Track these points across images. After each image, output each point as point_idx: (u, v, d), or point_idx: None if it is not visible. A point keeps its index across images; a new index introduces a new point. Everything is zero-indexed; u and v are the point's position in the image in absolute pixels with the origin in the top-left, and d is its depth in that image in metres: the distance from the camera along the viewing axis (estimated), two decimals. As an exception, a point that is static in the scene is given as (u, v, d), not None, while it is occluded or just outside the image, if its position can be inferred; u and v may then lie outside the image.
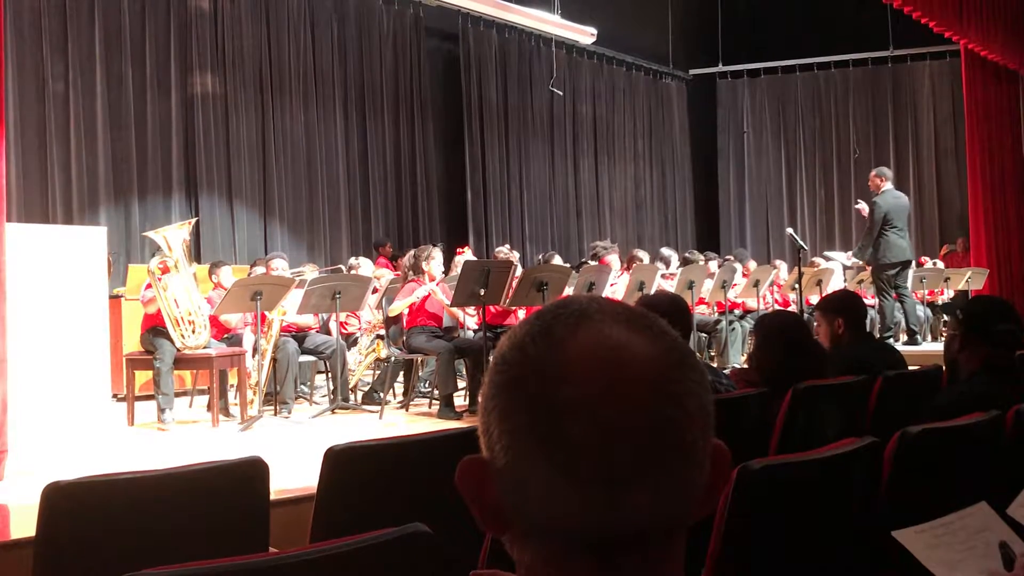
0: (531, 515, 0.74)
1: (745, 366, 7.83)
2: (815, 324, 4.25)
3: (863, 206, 9.43)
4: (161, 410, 6.09)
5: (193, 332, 6.20)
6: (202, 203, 10.22)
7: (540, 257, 10.51)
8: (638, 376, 0.72)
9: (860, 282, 11.11)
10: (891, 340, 8.56)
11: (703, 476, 0.75)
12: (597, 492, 0.71)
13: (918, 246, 15.01)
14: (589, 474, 0.71)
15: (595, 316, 0.75)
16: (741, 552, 1.89)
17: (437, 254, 6.96)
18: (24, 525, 3.09)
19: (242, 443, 5.54)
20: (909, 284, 9.45)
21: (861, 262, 9.39)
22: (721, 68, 16.47)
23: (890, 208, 8.82)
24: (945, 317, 9.41)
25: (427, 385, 7.44)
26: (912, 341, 9.10)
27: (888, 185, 9.02)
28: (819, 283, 9.86)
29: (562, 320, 0.75)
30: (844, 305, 4.22)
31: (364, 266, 8.14)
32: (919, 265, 12.16)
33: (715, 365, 8.32)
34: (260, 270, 7.51)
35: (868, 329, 5.11)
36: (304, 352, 6.96)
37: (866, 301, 8.53)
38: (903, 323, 9.31)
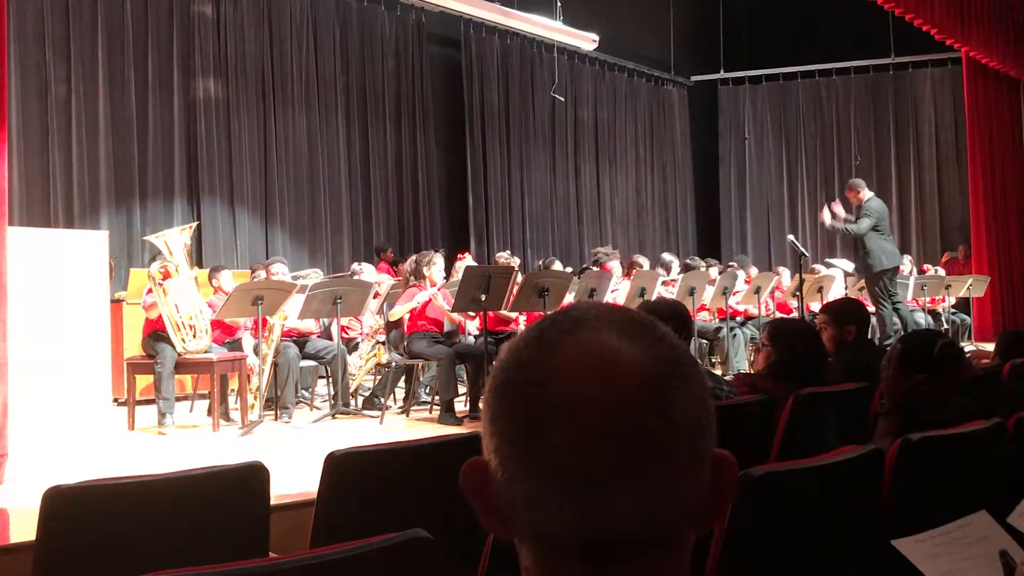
0: (521, 519, 0.75)
1: (749, 371, 7.83)
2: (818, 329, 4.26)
3: (839, 213, 9.09)
4: (162, 414, 6.09)
5: (194, 336, 6.20)
6: (204, 207, 10.22)
7: (541, 263, 10.51)
8: (621, 383, 0.71)
9: (861, 289, 11.11)
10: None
11: (696, 486, 0.74)
12: (570, 498, 0.71)
13: (919, 253, 15.02)
14: (563, 480, 0.71)
15: (590, 323, 0.75)
16: (742, 559, 1.89)
17: (438, 259, 6.96)
18: (24, 529, 3.09)
19: (243, 448, 5.54)
20: (906, 291, 9.41)
21: (849, 233, 8.91)
22: (722, 74, 16.48)
23: (881, 216, 8.80)
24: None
25: (428, 390, 7.43)
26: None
27: (869, 192, 8.98)
28: (820, 290, 9.86)
29: (557, 326, 0.75)
30: (856, 314, 4.23)
31: (367, 272, 8.15)
32: (921, 272, 12.15)
33: (719, 372, 8.31)
34: (261, 275, 7.52)
35: (868, 336, 5.11)
36: (305, 357, 6.96)
37: (868, 309, 8.53)
38: (902, 331, 9.29)
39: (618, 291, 8.32)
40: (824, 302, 8.30)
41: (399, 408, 7.07)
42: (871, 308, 8.76)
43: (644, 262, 9.26)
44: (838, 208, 9.19)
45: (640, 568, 0.74)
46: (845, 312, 4.23)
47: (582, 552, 0.73)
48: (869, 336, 5.53)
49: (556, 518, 0.72)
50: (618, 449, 0.70)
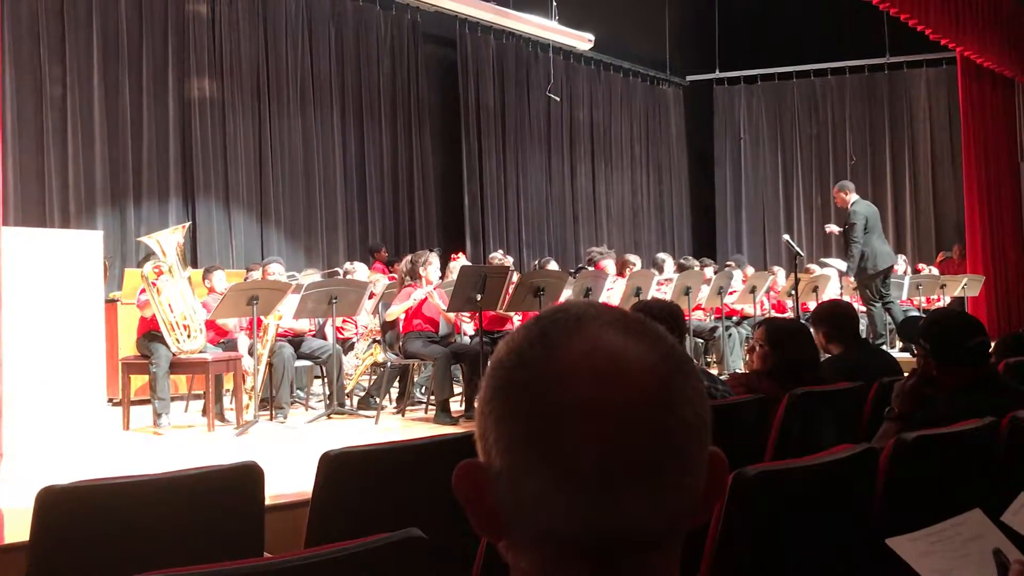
0: (526, 520, 0.74)
1: (745, 371, 7.83)
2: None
3: (834, 228, 9.52)
4: (157, 415, 6.08)
5: (188, 337, 6.19)
6: (199, 208, 10.21)
7: (536, 263, 10.51)
8: (634, 383, 0.72)
9: (856, 289, 11.12)
10: (883, 346, 8.56)
11: (699, 484, 0.74)
12: (588, 499, 0.71)
13: (914, 253, 15.06)
14: (580, 480, 0.71)
15: (593, 321, 0.75)
16: (736, 558, 1.89)
17: (434, 259, 6.97)
18: (18, 529, 3.08)
19: (237, 448, 5.53)
20: (900, 290, 9.44)
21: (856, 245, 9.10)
22: (718, 74, 16.50)
23: (869, 215, 8.83)
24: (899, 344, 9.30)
25: (423, 390, 7.43)
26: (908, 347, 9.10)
27: (855, 195, 9.02)
28: (815, 289, 9.87)
29: (560, 325, 0.75)
30: (826, 317, 4.24)
31: (359, 271, 8.14)
32: (916, 272, 12.16)
33: (714, 371, 8.31)
34: (255, 275, 7.50)
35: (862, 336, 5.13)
36: (300, 357, 6.95)
37: (859, 308, 8.53)
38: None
39: (613, 290, 8.32)
40: (819, 301, 8.31)
41: (394, 408, 7.07)
42: (861, 309, 8.78)
43: (636, 261, 9.25)
44: (832, 226, 9.68)
45: (644, 565, 0.74)
46: (816, 317, 4.30)
47: (591, 551, 0.73)
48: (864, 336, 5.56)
49: (566, 518, 0.72)
50: (636, 448, 0.71)
